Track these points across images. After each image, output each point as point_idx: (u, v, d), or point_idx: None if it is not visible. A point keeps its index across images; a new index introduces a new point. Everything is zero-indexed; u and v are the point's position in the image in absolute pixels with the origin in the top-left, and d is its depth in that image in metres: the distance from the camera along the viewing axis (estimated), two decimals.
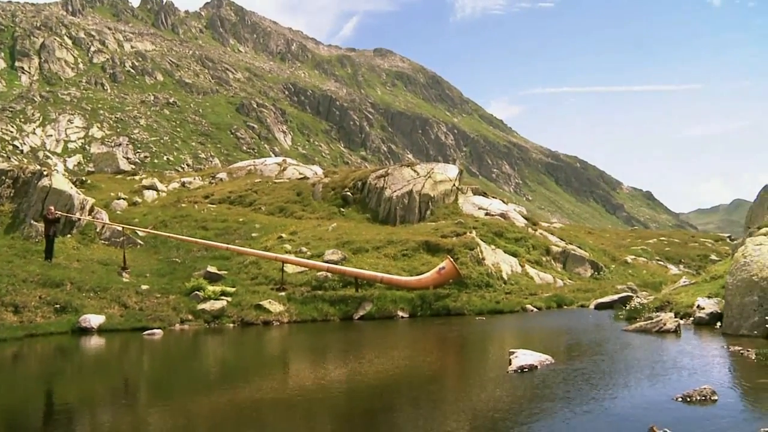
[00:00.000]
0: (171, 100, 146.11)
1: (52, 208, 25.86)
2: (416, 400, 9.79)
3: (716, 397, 8.55)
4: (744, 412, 8.23)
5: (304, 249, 29.00)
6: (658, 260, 49.18)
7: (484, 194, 46.69)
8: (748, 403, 8.85)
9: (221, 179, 52.72)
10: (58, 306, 19.02)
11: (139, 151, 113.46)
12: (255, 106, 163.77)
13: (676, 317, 17.26)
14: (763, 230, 16.81)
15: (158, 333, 18.34)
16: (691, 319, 17.25)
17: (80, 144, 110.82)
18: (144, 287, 22.25)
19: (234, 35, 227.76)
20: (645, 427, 7.06)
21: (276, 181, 48.86)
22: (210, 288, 22.60)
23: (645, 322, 16.90)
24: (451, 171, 43.72)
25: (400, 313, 23.47)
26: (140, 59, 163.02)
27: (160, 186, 47.59)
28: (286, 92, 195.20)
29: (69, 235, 28.75)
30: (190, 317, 20.80)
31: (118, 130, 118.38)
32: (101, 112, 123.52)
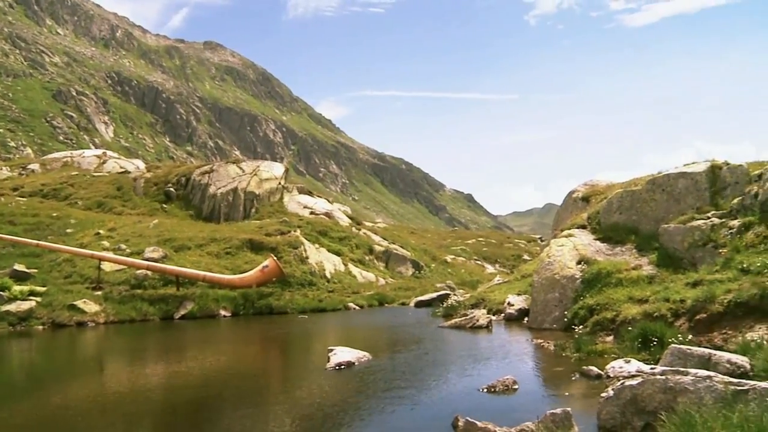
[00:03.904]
0: None
1: None
2: (236, 398, 9.87)
3: (517, 386, 9.29)
4: (540, 398, 9.00)
5: (123, 246, 27.99)
6: (476, 260, 52.06)
7: (310, 193, 47.17)
8: (544, 390, 9.77)
9: (33, 171, 49.63)
10: None
11: None
12: (74, 93, 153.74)
13: (488, 314, 18.48)
14: (565, 232, 18.37)
15: None
16: (503, 315, 18.46)
17: None
18: None
19: (51, 15, 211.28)
20: (451, 416, 7.45)
21: (95, 174, 46.68)
22: (17, 287, 21.23)
23: (460, 319, 17.89)
24: (277, 169, 43.82)
25: (223, 312, 23.32)
26: None
27: None
28: (109, 81, 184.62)
29: None
30: None
31: None
32: None
